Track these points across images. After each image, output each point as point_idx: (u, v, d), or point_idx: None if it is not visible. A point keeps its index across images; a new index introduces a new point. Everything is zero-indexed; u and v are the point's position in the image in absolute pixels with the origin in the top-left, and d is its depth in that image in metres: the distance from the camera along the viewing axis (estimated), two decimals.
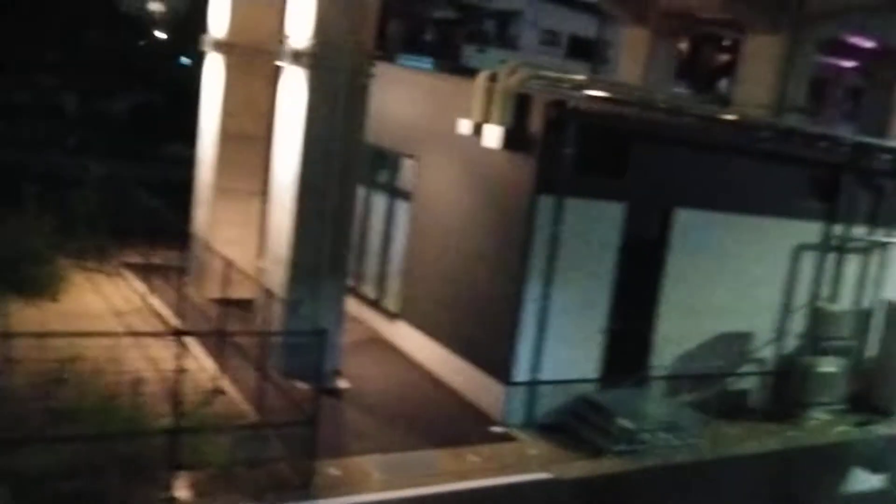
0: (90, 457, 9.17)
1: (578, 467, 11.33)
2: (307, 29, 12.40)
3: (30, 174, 17.22)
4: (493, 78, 12.91)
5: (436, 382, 13.67)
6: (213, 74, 16.14)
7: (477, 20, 41.72)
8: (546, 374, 12.48)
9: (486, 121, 12.80)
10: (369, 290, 16.62)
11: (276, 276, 13.16)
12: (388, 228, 16.11)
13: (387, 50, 23.03)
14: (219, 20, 15.79)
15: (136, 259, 16.94)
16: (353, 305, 15.75)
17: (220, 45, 15.80)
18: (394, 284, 15.74)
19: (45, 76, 33.22)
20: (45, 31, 31.99)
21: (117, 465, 9.17)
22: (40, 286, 14.98)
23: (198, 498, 9.03)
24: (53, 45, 32.62)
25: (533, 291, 12.29)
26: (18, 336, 10.33)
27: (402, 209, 15.55)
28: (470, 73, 14.54)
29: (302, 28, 12.49)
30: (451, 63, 29.46)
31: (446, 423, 12.16)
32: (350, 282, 15.22)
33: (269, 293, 10.90)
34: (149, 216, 16.12)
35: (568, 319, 12.60)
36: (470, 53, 37.67)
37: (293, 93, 12.76)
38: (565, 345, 12.61)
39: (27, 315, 13.65)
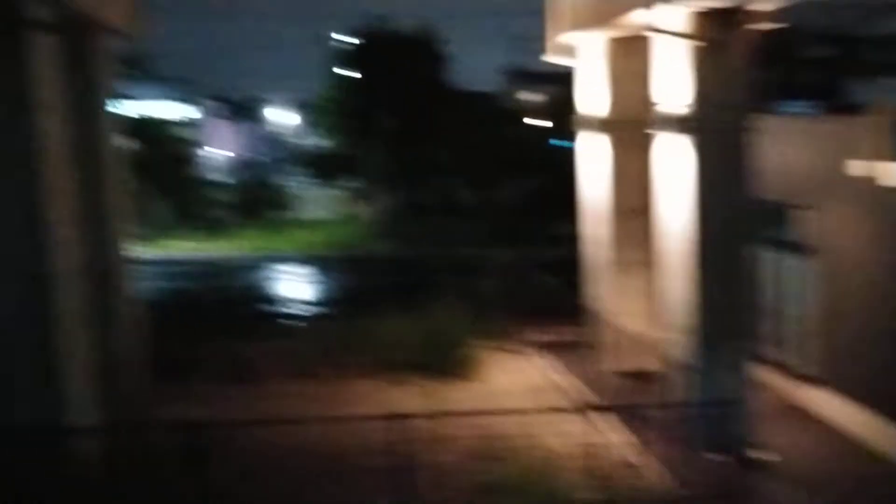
0: None
1: None
2: (686, 94, 12.39)
3: (442, 266, 18.90)
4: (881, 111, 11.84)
5: (871, 456, 12.28)
6: (593, 151, 16.69)
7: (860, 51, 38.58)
8: None
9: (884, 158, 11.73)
10: (778, 354, 15.68)
11: (678, 345, 12.99)
12: (796, 286, 15.18)
13: (766, 100, 22.11)
14: (597, 100, 16.37)
15: (538, 337, 17.70)
16: (760, 371, 14.96)
17: (602, 124, 16.32)
18: (809, 345, 14.67)
19: (442, 175, 36.69)
20: (440, 133, 35.46)
21: None
22: (462, 368, 16.24)
23: None
24: (446, 146, 36.02)
25: None
26: (446, 416, 11.26)
27: (806, 264, 14.58)
28: (857, 109, 13.46)
29: (680, 93, 12.51)
30: (837, 102, 27.49)
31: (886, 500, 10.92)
32: (757, 346, 14.51)
33: (672, 363, 10.77)
34: (546, 295, 16.88)
35: None
36: (858, 88, 34.79)
37: (674, 159, 12.76)
38: None
39: (451, 396, 14.85)
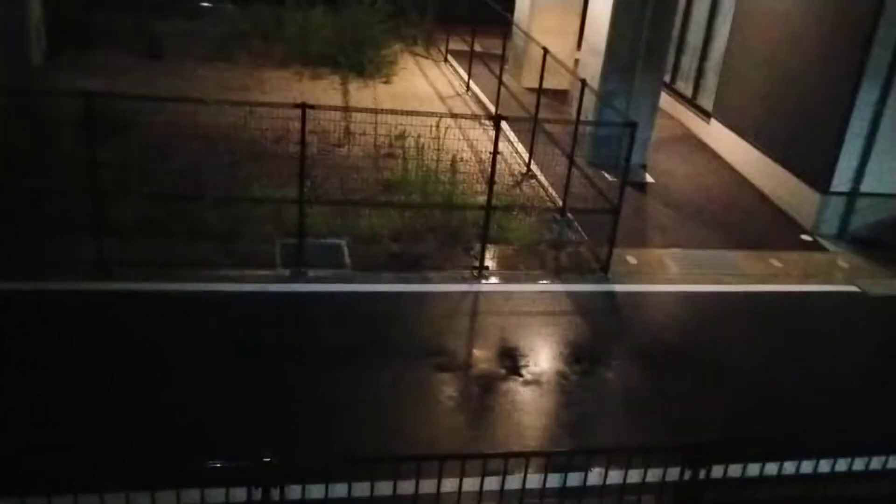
0: (413, 224, 10.27)
1: (891, 284, 10.73)
2: None
3: None
4: None
5: (745, 185, 13.32)
6: None
7: None
8: (868, 185, 11.64)
9: None
10: (684, 87, 16.20)
11: (592, 66, 13.23)
12: (711, 22, 15.36)
13: None
14: None
15: (460, 46, 17.69)
16: (666, 102, 15.49)
17: None
18: (710, 82, 15.18)
19: None
20: None
21: (435, 233, 10.22)
22: (376, 69, 16.29)
23: (503, 269, 9.84)
24: None
25: (868, 95, 11.23)
26: (356, 111, 11.47)
27: (730, 6, 14.63)
28: None
29: None
30: None
31: (751, 226, 11.92)
32: (665, 77, 14.90)
33: (582, 84, 11.05)
34: (474, 5, 16.60)
35: None
36: None
37: None
38: (895, 157, 11.60)
39: (363, 94, 15.03)
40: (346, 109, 11.83)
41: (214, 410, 6.96)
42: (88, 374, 7.25)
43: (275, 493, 5.24)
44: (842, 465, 6.44)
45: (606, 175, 12.27)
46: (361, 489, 5.39)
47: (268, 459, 5.17)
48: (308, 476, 5.64)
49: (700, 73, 15.70)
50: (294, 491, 5.52)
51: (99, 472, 5.35)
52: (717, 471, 6.12)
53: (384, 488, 5.46)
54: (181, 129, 11.75)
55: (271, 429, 6.82)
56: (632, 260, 10.40)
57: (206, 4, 19.34)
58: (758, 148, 13.30)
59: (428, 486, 5.60)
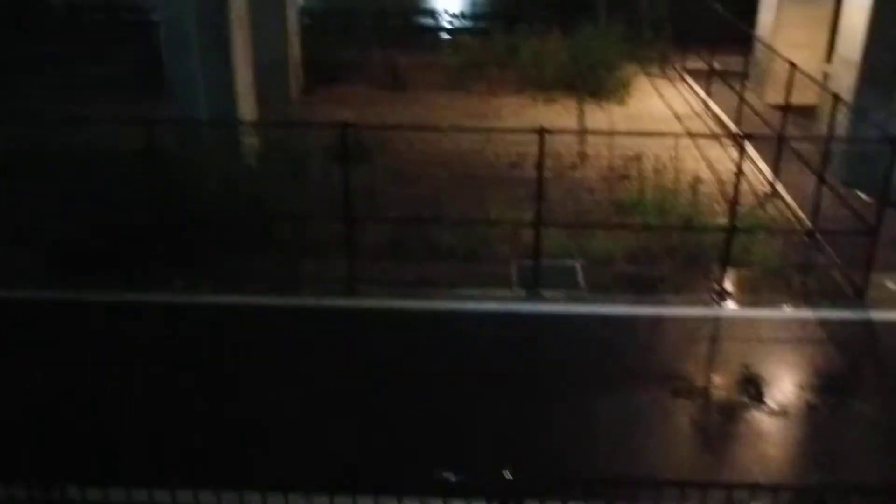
0: (649, 245, 10.09)
1: None
2: None
3: None
4: None
5: None
6: None
7: None
8: None
9: None
10: None
11: (845, 80, 12.41)
12: None
13: None
14: None
15: (697, 65, 17.23)
16: None
17: None
18: None
19: None
20: None
21: (673, 255, 9.97)
22: (610, 91, 16.21)
23: (745, 293, 9.42)
24: None
25: None
26: (591, 134, 11.48)
27: None
28: None
29: None
30: None
31: None
32: None
33: (835, 98, 10.38)
34: (712, 22, 16.14)
35: None
36: None
37: None
38: None
39: (597, 117, 15.00)
40: (582, 133, 11.84)
41: (449, 426, 7.19)
42: (333, 383, 7.74)
43: None
44: None
45: (861, 195, 11.41)
46: None
47: (509, 476, 5.27)
48: (545, 496, 5.68)
49: None
50: None
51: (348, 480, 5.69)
52: None
53: None
54: (423, 155, 12.35)
55: (504, 447, 6.94)
56: (892, 286, 9.60)
57: (445, 36, 20.19)
58: None
59: None
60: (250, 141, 11.62)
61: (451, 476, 5.46)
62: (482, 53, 17.71)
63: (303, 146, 11.25)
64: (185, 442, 6.89)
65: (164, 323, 8.71)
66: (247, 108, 12.13)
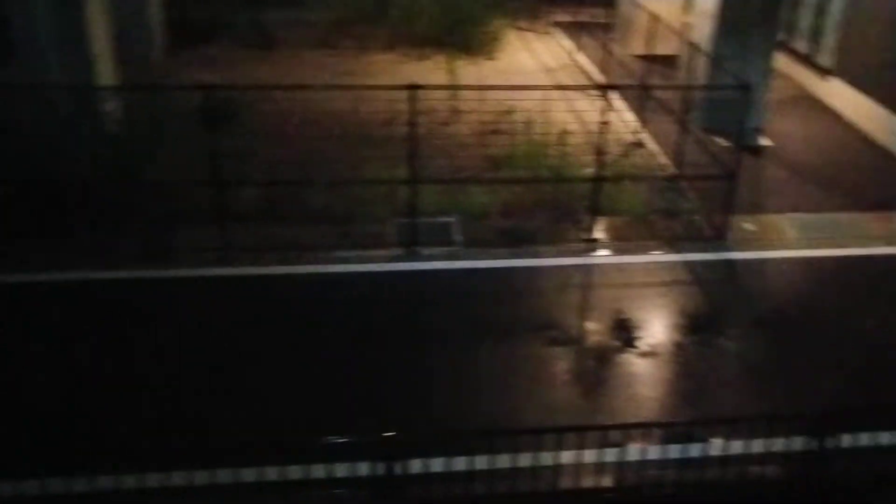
0: (522, 198, 10.28)
1: None
2: None
3: None
4: None
5: (868, 144, 12.73)
6: None
7: None
8: None
9: None
10: (801, 45, 15.53)
11: (703, 30, 12.85)
12: None
13: None
14: None
15: (565, 18, 17.49)
16: (782, 61, 14.91)
17: None
18: (830, 38, 14.50)
19: None
20: None
21: (545, 207, 10.19)
22: (481, 46, 16.29)
23: (615, 241, 9.74)
24: None
25: None
26: (463, 89, 11.52)
27: None
28: None
29: None
30: None
31: (876, 186, 11.38)
32: (781, 36, 14.33)
33: (693, 48, 10.74)
34: None
35: None
36: None
37: None
38: None
39: (469, 72, 15.06)
40: (453, 88, 11.88)
41: (334, 387, 7.19)
42: (207, 353, 7.60)
43: (397, 467, 5.40)
44: None
45: (720, 140, 11.92)
46: (480, 463, 5.49)
47: (391, 434, 5.33)
48: (429, 450, 5.79)
49: (818, 30, 15.01)
50: (415, 465, 5.68)
51: (230, 450, 5.64)
52: (843, 440, 5.96)
53: (503, 461, 5.55)
54: (293, 115, 12.13)
55: (389, 405, 7.00)
56: (749, 226, 10.12)
57: None
58: (883, 104, 12.66)
59: (547, 458, 5.66)
60: (110, 106, 11.12)
61: (335, 439, 5.50)
62: (352, 10, 17.46)
63: (168, 110, 10.86)
64: (43, 426, 6.64)
65: (28, 304, 8.32)
66: (105, 70, 11.56)
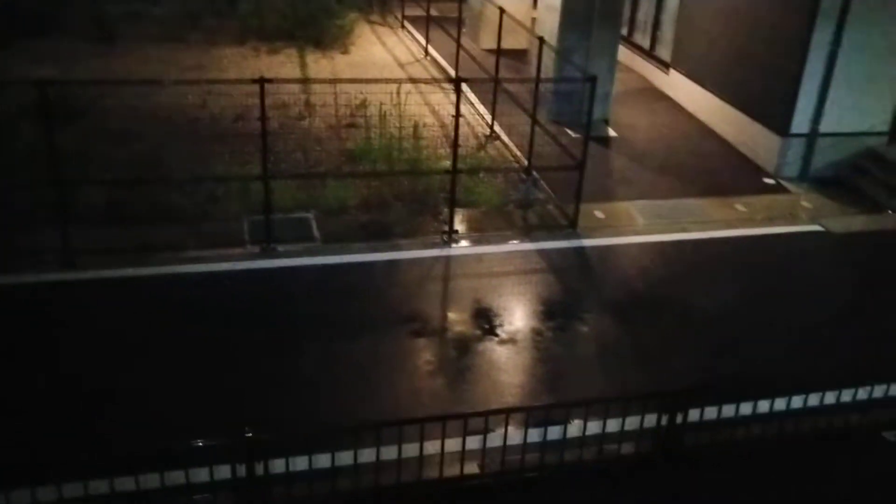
0: (380, 192, 10.26)
1: (853, 222, 10.90)
2: None
3: None
4: None
5: (707, 133, 13.43)
6: None
7: None
8: (827, 125, 11.78)
9: None
10: (642, 39, 16.22)
11: (549, 24, 13.20)
12: None
13: None
14: None
15: (417, 12, 17.57)
16: (625, 55, 15.52)
17: None
18: (667, 33, 15.21)
19: None
20: None
21: (403, 200, 10.22)
22: (333, 40, 16.16)
23: (473, 231, 9.87)
24: None
25: (822, 34, 11.32)
26: (315, 82, 11.39)
27: None
28: None
29: None
30: None
31: (715, 173, 12.04)
32: (623, 31, 14.92)
33: (540, 42, 11.02)
34: None
35: (860, 69, 11.58)
36: None
37: None
38: (853, 96, 11.71)
39: (321, 65, 14.91)
40: (305, 81, 11.74)
41: (193, 390, 6.96)
42: (60, 364, 7.21)
43: (259, 468, 5.29)
44: (813, 401, 6.61)
45: (569, 132, 12.31)
46: (345, 458, 5.45)
47: (249, 435, 5.21)
48: (291, 449, 5.69)
49: (657, 25, 15.73)
50: (278, 464, 5.57)
51: (83, 459, 5.35)
52: (693, 415, 6.26)
53: (368, 455, 5.53)
54: (139, 112, 11.66)
55: (252, 404, 6.84)
56: (599, 214, 10.48)
57: None
58: (718, 95, 13.39)
59: (411, 449, 5.68)
60: None
61: (195, 443, 5.31)
62: (200, 3, 16.94)
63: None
64: None
65: None
66: None
